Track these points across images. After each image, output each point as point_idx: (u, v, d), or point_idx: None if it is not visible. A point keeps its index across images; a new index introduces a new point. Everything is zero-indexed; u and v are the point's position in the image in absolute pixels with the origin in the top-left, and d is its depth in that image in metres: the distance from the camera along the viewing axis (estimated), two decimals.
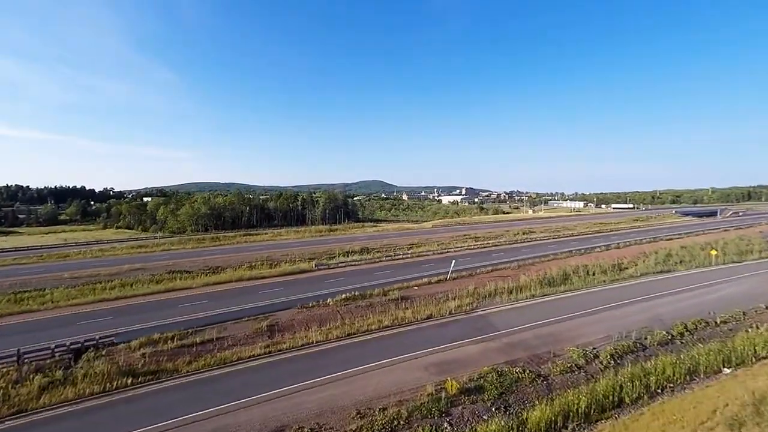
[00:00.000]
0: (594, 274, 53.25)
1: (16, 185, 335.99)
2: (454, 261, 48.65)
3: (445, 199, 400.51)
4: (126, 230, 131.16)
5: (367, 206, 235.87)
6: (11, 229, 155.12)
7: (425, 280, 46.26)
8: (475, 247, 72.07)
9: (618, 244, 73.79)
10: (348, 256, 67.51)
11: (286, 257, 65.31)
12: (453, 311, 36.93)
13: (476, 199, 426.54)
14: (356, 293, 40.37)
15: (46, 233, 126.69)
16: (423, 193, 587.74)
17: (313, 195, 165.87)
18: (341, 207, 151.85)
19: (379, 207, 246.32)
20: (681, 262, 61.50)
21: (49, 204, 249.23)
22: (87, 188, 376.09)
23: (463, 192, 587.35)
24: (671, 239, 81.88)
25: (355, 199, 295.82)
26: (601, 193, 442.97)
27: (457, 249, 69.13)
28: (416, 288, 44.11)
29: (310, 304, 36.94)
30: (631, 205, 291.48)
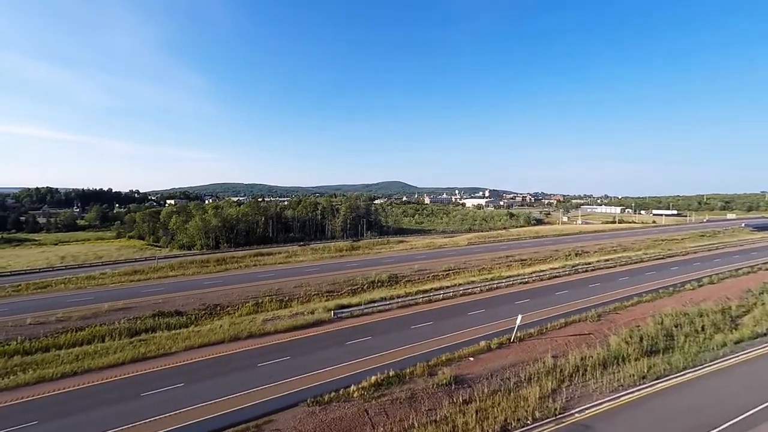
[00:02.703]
0: (703, 330, 39.76)
1: (46, 188, 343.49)
2: (520, 316, 36.16)
3: (469, 203, 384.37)
4: (137, 241, 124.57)
5: (389, 212, 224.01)
6: (29, 236, 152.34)
7: (482, 344, 33.94)
8: (527, 277, 58.99)
9: (711, 276, 59.02)
10: (374, 289, 56.06)
11: (299, 290, 54.41)
12: (537, 413, 24.63)
13: (502, 203, 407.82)
14: (390, 371, 28.62)
15: (58, 243, 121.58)
16: (445, 195, 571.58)
17: (333, 202, 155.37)
18: (363, 216, 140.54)
19: (402, 212, 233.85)
20: None
21: (73, 209, 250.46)
22: (114, 190, 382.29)
23: (487, 194, 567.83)
24: None
25: (376, 202, 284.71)
26: (639, 198, 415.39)
27: (506, 280, 56.34)
28: (471, 359, 31.92)
29: (326, 396, 25.40)
30: (674, 212, 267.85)
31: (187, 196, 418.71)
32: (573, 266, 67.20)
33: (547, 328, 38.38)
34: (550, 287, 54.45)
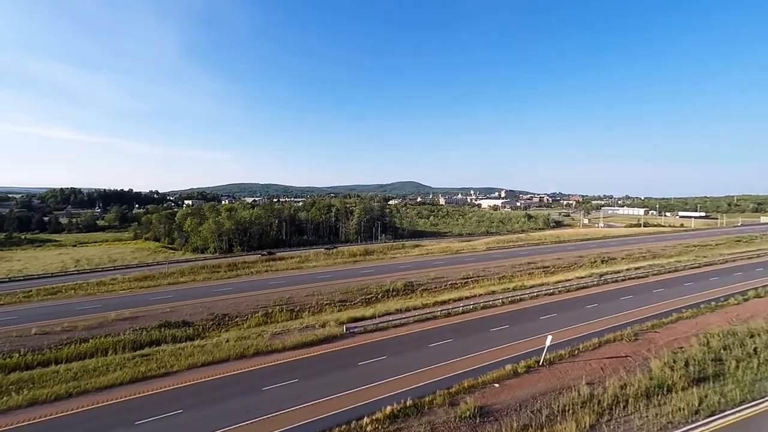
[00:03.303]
0: (756, 353, 35.52)
1: (70, 188, 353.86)
2: (550, 336, 32.85)
3: (485, 203, 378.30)
4: (153, 242, 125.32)
5: (403, 213, 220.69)
6: (51, 236, 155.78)
7: (508, 367, 30.81)
8: (553, 288, 55.24)
9: (756, 288, 54.06)
10: (389, 299, 53.53)
11: (311, 299, 52.26)
12: None
13: (518, 204, 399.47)
14: (407, 400, 25.85)
15: (77, 244, 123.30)
16: (460, 196, 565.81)
17: (347, 204, 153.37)
18: (378, 218, 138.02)
19: (416, 214, 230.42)
20: None
21: (95, 209, 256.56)
22: (134, 191, 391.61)
23: (503, 195, 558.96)
24: None
25: (391, 203, 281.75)
26: (663, 198, 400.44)
27: (530, 291, 52.84)
28: (497, 385, 28.84)
29: (335, 430, 22.84)
30: (702, 214, 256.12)
31: (204, 196, 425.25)
32: (601, 275, 62.98)
33: (579, 349, 34.94)
34: (577, 300, 50.66)
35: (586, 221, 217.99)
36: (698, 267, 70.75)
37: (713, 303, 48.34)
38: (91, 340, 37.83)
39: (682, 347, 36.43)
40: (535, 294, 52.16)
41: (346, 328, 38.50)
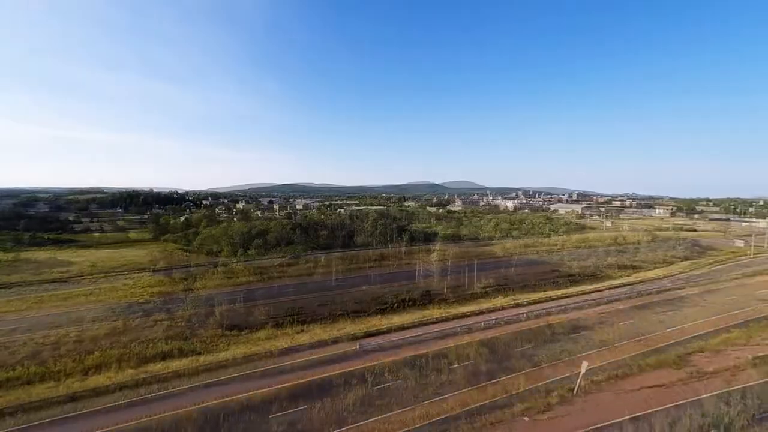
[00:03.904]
0: None
1: (95, 188, 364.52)
2: (585, 363, 29.45)
3: (502, 204, 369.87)
4: (170, 244, 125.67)
5: (418, 215, 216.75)
6: (73, 236, 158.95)
7: (538, 397, 27.67)
8: (581, 301, 51.46)
9: None
10: (404, 309, 50.99)
11: (324, 309, 50.12)
12: None
13: (537, 204, 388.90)
14: None
15: (96, 246, 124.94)
16: (476, 196, 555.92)
17: (362, 206, 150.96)
18: (393, 221, 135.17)
19: (432, 216, 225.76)
20: None
21: (116, 210, 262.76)
22: (154, 191, 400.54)
23: (520, 195, 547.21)
24: None
25: (406, 204, 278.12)
26: (691, 199, 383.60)
27: (556, 304, 49.23)
28: (526, 419, 25.77)
29: None
30: (735, 217, 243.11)
31: (222, 197, 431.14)
32: (632, 285, 58.60)
33: (617, 376, 31.50)
34: (609, 314, 46.72)
35: (609, 224, 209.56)
36: (741, 277, 65.21)
37: (764, 321, 43.71)
38: (96, 352, 36.48)
39: (734, 375, 32.51)
40: (563, 307, 48.45)
41: (359, 345, 35.94)
